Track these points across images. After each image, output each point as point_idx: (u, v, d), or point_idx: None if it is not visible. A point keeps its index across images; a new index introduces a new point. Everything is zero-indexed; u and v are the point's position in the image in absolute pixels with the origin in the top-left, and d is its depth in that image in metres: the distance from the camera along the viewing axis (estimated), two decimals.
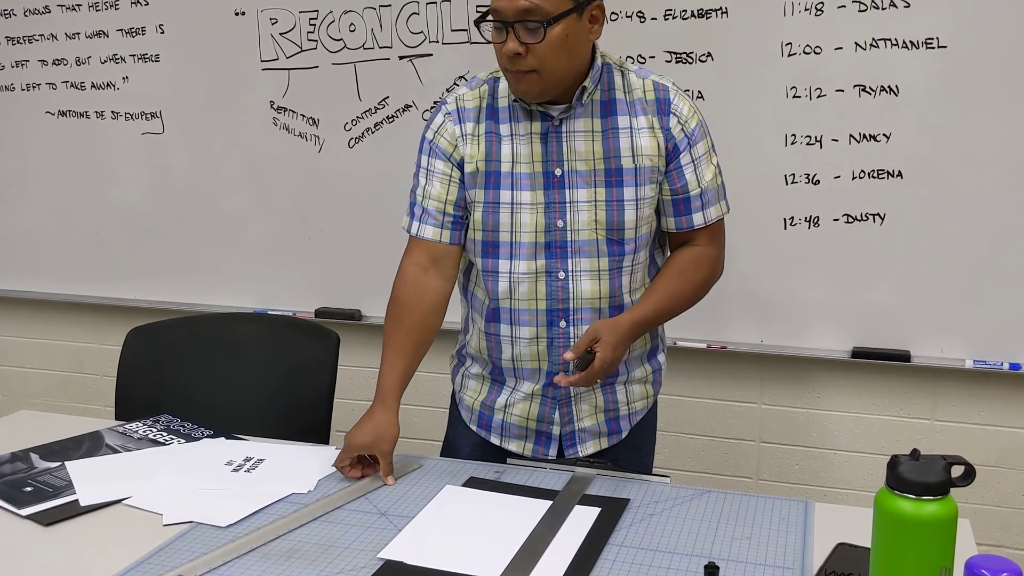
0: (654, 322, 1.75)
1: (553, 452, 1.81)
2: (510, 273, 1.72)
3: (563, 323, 1.73)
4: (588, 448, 1.81)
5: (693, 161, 1.70)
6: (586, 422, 1.80)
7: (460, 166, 1.72)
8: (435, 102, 1.71)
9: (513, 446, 1.83)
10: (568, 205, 1.68)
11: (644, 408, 1.85)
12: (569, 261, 1.70)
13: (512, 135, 1.70)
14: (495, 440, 1.84)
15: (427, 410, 2.60)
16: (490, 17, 1.60)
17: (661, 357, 1.87)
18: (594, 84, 1.67)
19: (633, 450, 1.86)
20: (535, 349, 1.74)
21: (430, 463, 1.74)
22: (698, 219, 1.73)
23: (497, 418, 1.83)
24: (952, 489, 1.18)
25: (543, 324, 1.73)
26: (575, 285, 1.71)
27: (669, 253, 1.81)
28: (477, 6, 1.51)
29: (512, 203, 1.69)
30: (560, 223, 1.69)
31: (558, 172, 1.68)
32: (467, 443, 1.88)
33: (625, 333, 1.66)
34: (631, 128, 1.67)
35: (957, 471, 1.18)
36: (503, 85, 1.71)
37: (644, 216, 1.70)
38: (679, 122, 1.68)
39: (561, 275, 1.70)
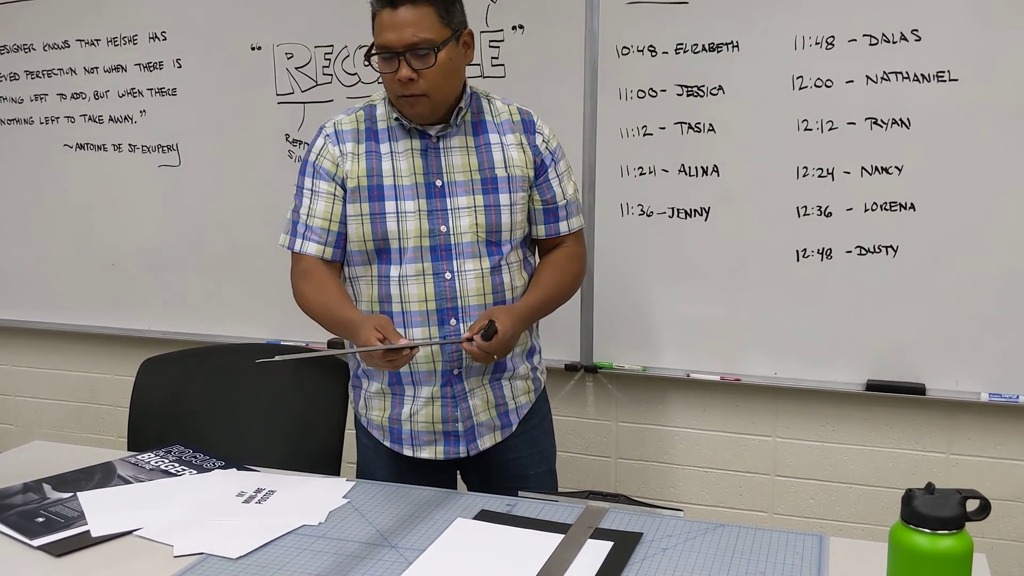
0: (543, 308, 1.92)
1: (463, 450, 1.91)
2: (399, 277, 1.83)
3: (453, 321, 1.84)
4: (485, 442, 1.93)
5: (558, 176, 1.93)
6: (482, 417, 1.91)
7: (343, 184, 1.85)
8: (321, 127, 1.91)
9: (426, 453, 1.92)
10: (450, 212, 1.83)
11: (528, 402, 1.99)
12: (454, 262, 1.83)
13: (392, 152, 1.84)
14: (408, 452, 1.93)
15: None
16: (377, 51, 1.75)
17: (536, 358, 2.02)
18: (467, 107, 1.85)
19: (533, 447, 2.00)
20: (428, 351, 1.84)
21: (441, 496, 1.73)
22: (563, 227, 1.95)
23: (406, 429, 1.92)
24: (968, 523, 1.17)
25: (435, 324, 1.83)
26: (462, 284, 1.83)
27: (538, 259, 2.00)
28: (370, 47, 1.65)
29: (397, 212, 1.82)
30: (443, 228, 1.83)
31: (439, 183, 1.83)
32: (381, 465, 1.96)
33: (520, 314, 1.81)
34: (501, 144, 1.87)
35: (972, 505, 1.17)
36: (380, 110, 1.87)
37: (517, 221, 1.88)
38: (543, 140, 1.91)
39: (448, 275, 1.83)
